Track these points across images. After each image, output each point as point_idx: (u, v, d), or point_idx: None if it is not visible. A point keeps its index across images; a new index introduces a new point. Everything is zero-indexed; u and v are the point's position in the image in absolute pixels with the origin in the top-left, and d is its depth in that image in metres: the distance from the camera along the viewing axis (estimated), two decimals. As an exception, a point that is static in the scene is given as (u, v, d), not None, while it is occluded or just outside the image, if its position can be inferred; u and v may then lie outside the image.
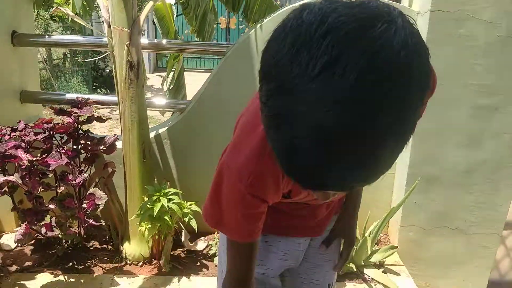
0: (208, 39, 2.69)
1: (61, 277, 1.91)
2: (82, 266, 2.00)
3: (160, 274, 1.95)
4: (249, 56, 2.01)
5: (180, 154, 2.15)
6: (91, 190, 1.82)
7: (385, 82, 0.46)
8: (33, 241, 2.19)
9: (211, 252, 2.12)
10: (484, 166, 1.99)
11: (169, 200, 1.84)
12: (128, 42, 1.75)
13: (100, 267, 2.00)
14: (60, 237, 1.87)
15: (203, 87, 2.08)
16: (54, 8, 2.25)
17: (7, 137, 1.75)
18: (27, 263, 2.02)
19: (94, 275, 1.94)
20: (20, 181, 1.65)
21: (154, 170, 2.11)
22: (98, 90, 7.26)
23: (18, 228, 1.78)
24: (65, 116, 1.82)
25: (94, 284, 1.87)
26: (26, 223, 1.65)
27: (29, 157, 1.60)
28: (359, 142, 0.47)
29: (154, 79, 8.80)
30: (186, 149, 2.14)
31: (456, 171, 2.00)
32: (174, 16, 2.92)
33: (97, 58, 6.49)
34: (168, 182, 1.94)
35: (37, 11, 5.61)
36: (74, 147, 1.85)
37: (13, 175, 1.68)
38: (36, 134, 1.77)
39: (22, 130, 1.71)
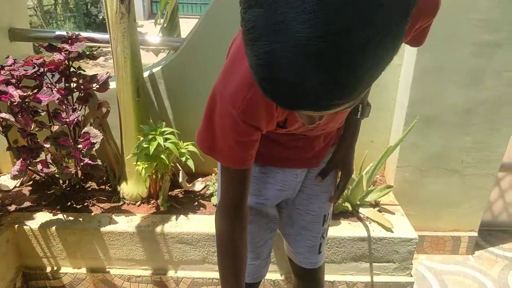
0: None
1: (59, 216, 1.94)
2: (81, 206, 2.02)
3: (158, 213, 1.98)
4: (245, -10, 1.92)
5: (175, 94, 2.11)
6: (86, 129, 1.80)
7: None
8: (30, 182, 2.20)
9: (208, 192, 2.13)
10: (483, 105, 1.96)
11: (166, 140, 1.82)
12: (117, -27, 1.67)
13: (98, 206, 2.02)
14: (57, 176, 1.87)
15: (198, 24, 2.01)
16: None
17: (-4, 74, 1.71)
18: (26, 203, 2.03)
19: (93, 214, 1.96)
20: (12, 119, 1.62)
21: (149, 111, 2.08)
22: (91, 37, 7.05)
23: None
24: (55, 53, 1.77)
25: (93, 222, 1.90)
26: (21, 160, 1.64)
27: (19, 92, 1.56)
28: (334, 55, 0.46)
29: (148, 26, 8.54)
30: (181, 89, 2.09)
31: (454, 111, 1.98)
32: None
33: None
34: (164, 123, 1.92)
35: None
36: (66, 85, 1.81)
37: (5, 114, 1.66)
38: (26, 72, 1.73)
39: (11, 65, 1.66)
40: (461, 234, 2.28)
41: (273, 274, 1.95)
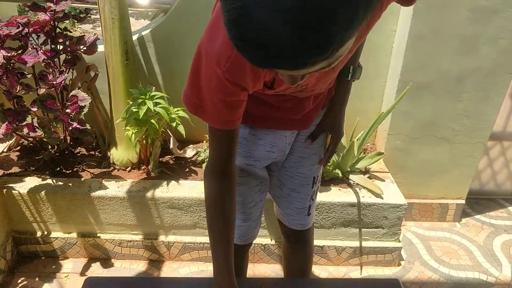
0: None
1: (49, 181, 1.92)
2: (70, 171, 2.00)
3: (148, 179, 1.97)
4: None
5: (165, 58, 2.07)
6: (73, 92, 1.76)
7: None
8: (18, 148, 2.17)
9: (199, 158, 2.12)
10: (476, 73, 1.95)
11: (156, 104, 1.79)
12: None
13: (88, 172, 2.00)
14: (45, 140, 1.85)
15: (188, -14, 1.95)
16: None
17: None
18: (13, 168, 2.01)
19: (82, 179, 1.94)
20: (-3, 80, 1.58)
21: (138, 75, 2.04)
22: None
23: (0, 130, 1.74)
24: (40, 12, 1.70)
25: (83, 187, 1.89)
26: (6, 123, 1.60)
27: (4, 52, 1.51)
28: (304, 11, 0.45)
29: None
30: (171, 53, 2.05)
31: (447, 79, 1.97)
32: None
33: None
34: (154, 87, 1.88)
35: None
36: (53, 46, 1.76)
37: (-10, 75, 1.61)
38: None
39: (-7, 25, 1.61)
40: (449, 202, 2.31)
41: (264, 239, 1.97)
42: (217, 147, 0.94)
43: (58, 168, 2.01)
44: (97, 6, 1.79)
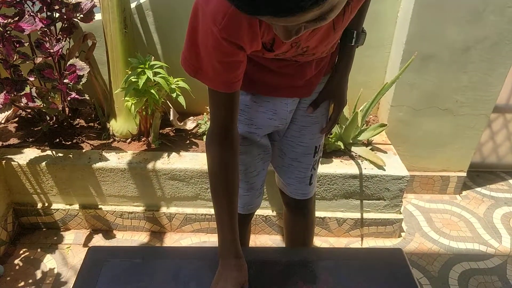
0: None
1: (48, 152, 1.90)
2: (69, 143, 1.98)
3: (149, 150, 1.95)
4: None
5: (164, 27, 2.01)
6: (71, 61, 1.72)
7: None
8: (16, 119, 2.14)
9: (200, 131, 2.10)
10: (482, 43, 1.91)
11: (155, 74, 1.76)
12: None
13: (88, 143, 1.98)
14: (44, 111, 1.81)
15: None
16: None
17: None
18: (12, 140, 1.98)
19: (83, 150, 1.92)
20: (-8, 48, 1.53)
21: (137, 45, 1.99)
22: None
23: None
24: (34, -22, 1.64)
25: (83, 159, 1.87)
26: (4, 92, 1.57)
27: (0, 19, 1.46)
28: None
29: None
30: (170, 21, 1.99)
31: (453, 49, 1.93)
32: None
33: None
34: (153, 57, 1.84)
35: None
36: (49, 13, 1.70)
37: (-15, 42, 1.56)
38: None
39: (-13, -9, 1.55)
40: (450, 174, 2.31)
41: (265, 210, 1.97)
42: (217, 112, 0.93)
43: (57, 140, 1.98)
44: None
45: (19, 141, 1.97)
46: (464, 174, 2.32)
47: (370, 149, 2.00)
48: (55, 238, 1.97)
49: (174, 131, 2.12)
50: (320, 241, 2.02)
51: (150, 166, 1.85)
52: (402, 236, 2.06)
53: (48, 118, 1.99)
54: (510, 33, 1.88)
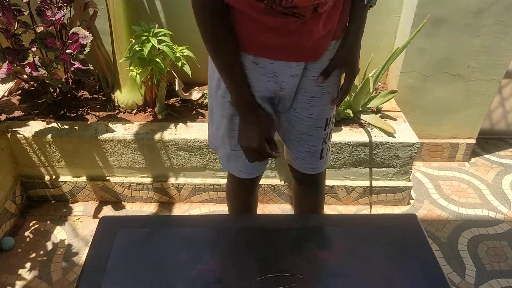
0: None
1: (54, 124, 1.88)
2: (74, 114, 1.95)
3: (155, 121, 1.93)
4: None
5: (168, -6, 1.95)
6: (74, 30, 1.67)
7: None
8: (19, 92, 2.11)
9: (206, 101, 2.06)
10: (496, 5, 1.85)
11: (160, 42, 1.71)
12: None
13: (93, 115, 1.95)
14: (47, 81, 1.78)
15: None
16: None
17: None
18: (16, 112, 1.96)
19: (89, 122, 1.90)
20: (-8, 17, 1.49)
21: (140, 13, 1.93)
22: None
23: (0, 72, 1.67)
24: None
25: (89, 130, 1.85)
26: (7, 62, 1.53)
27: (-3, -15, 1.41)
28: None
29: None
30: (174, -12, 1.93)
31: (465, 12, 1.86)
32: None
33: None
34: (157, 25, 1.79)
35: None
36: (48, -20, 1.65)
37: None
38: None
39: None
40: (459, 141, 2.29)
41: (273, 180, 1.96)
42: None
43: (62, 112, 1.96)
44: None
45: (23, 113, 1.95)
46: (473, 141, 2.29)
47: (379, 117, 1.97)
48: (64, 210, 1.98)
49: (179, 102, 2.09)
50: (329, 209, 2.02)
51: (157, 137, 1.82)
52: (411, 204, 2.06)
53: (51, 90, 1.96)
54: (526, -7, 1.82)
